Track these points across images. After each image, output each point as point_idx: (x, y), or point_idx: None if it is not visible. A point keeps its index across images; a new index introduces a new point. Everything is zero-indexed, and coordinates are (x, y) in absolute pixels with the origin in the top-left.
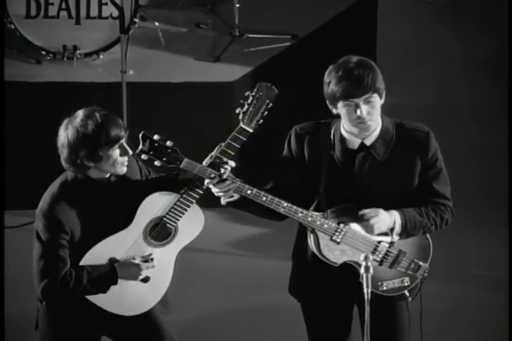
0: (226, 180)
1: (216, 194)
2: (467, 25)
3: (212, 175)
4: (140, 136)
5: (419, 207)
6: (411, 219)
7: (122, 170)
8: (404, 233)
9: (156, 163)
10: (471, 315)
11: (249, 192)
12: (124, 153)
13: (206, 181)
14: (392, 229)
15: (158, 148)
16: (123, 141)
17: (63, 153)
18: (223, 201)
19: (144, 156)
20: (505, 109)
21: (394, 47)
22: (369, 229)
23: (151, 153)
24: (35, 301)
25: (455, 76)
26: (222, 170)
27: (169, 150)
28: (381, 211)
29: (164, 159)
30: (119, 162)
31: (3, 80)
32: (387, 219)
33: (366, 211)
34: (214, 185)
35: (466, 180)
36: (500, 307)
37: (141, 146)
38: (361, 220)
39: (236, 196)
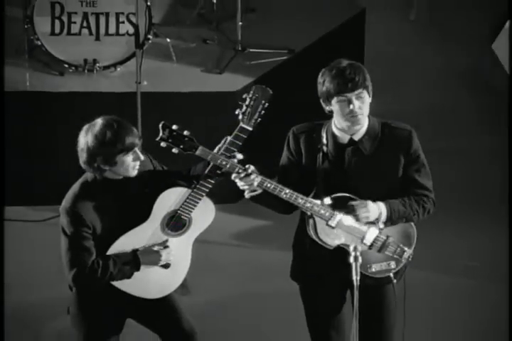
0: (251, 174)
1: (241, 187)
2: (445, 40)
3: (239, 170)
4: (160, 125)
5: (404, 198)
6: (395, 209)
7: (134, 172)
8: (389, 221)
9: (174, 150)
10: (453, 301)
11: (268, 185)
12: (136, 158)
13: (233, 176)
14: (378, 219)
15: (176, 136)
16: (136, 148)
17: (82, 156)
18: (247, 195)
19: (163, 144)
20: (482, 113)
21: (380, 59)
22: (358, 219)
23: (170, 140)
24: (66, 287)
25: (435, 85)
26: (247, 166)
27: (186, 139)
28: (369, 203)
29: (181, 146)
30: (132, 166)
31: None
32: (374, 210)
33: (355, 202)
34: (240, 179)
35: (450, 177)
36: (482, 293)
37: (160, 134)
38: (351, 211)
39: (258, 190)
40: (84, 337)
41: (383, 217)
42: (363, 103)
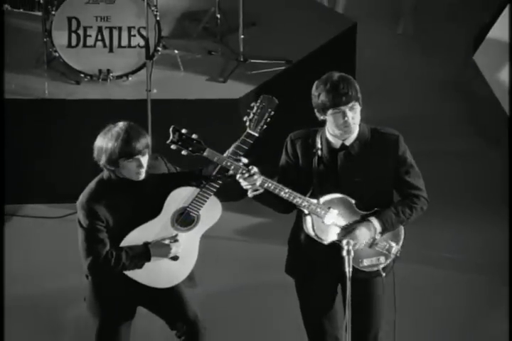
0: (254, 174)
1: (244, 187)
2: (430, 51)
3: (243, 171)
4: (170, 129)
5: (396, 205)
6: (388, 221)
7: (137, 177)
8: (385, 232)
9: (183, 152)
10: (440, 292)
11: (269, 185)
12: (138, 166)
13: (237, 176)
14: (374, 233)
15: (185, 139)
16: (140, 156)
17: (96, 155)
18: (250, 194)
19: (173, 146)
20: (463, 119)
21: (370, 70)
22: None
23: (180, 143)
24: (83, 277)
25: (421, 93)
26: (250, 167)
27: (194, 142)
28: (359, 229)
29: (190, 149)
30: (134, 171)
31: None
32: (365, 234)
33: (347, 232)
34: (244, 179)
35: (435, 176)
36: (466, 284)
37: (171, 138)
38: (344, 232)
39: (260, 190)
40: (99, 322)
41: (378, 232)
42: (355, 113)
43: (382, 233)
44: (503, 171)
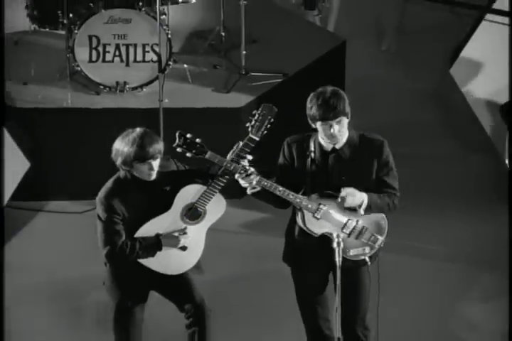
0: (251, 174)
1: (243, 185)
2: (411, 66)
3: (241, 171)
4: (177, 134)
5: (379, 194)
6: (373, 200)
7: (149, 178)
8: (369, 210)
9: (188, 154)
10: (421, 279)
11: (265, 183)
12: (150, 168)
13: (236, 175)
14: (360, 205)
15: (189, 143)
16: (151, 161)
17: (113, 156)
18: (249, 191)
19: (178, 149)
20: (441, 126)
21: (358, 82)
22: (344, 200)
23: (184, 147)
24: (102, 265)
25: (404, 102)
26: (248, 168)
27: (197, 145)
28: (357, 191)
29: (193, 151)
30: (146, 173)
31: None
32: (359, 197)
33: (348, 189)
34: (242, 178)
35: (416, 176)
36: (445, 272)
37: (177, 142)
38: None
39: (258, 188)
40: (116, 304)
41: (364, 205)
42: (342, 127)
43: (365, 209)
44: (478, 171)
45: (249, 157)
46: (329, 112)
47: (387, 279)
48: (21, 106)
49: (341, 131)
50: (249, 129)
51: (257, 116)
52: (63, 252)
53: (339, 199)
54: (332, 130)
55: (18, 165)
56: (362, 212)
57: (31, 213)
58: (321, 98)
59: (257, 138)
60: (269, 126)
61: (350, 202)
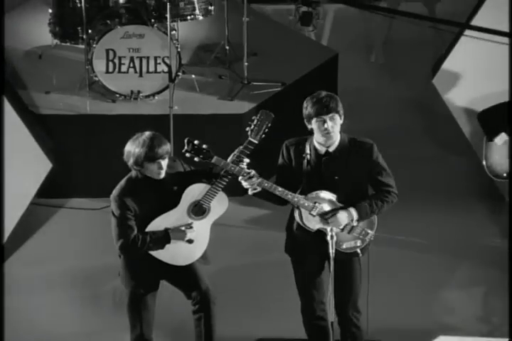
0: (253, 177)
1: (245, 186)
2: (397, 76)
3: (244, 174)
4: (185, 140)
5: (372, 198)
6: (363, 212)
7: (158, 177)
8: (361, 220)
9: (196, 159)
10: (406, 268)
11: (266, 184)
12: (159, 168)
13: (239, 178)
14: (351, 221)
15: (197, 149)
16: (161, 160)
17: (125, 157)
18: (250, 192)
19: (187, 154)
20: (424, 130)
21: (349, 90)
22: (328, 224)
23: (192, 152)
24: (117, 257)
25: (391, 109)
26: (250, 170)
27: (204, 151)
28: (339, 213)
29: (201, 156)
30: (156, 172)
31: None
32: (343, 218)
33: (326, 212)
34: (244, 180)
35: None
36: (427, 262)
37: (186, 147)
38: (323, 218)
39: (259, 188)
40: (130, 293)
41: (355, 219)
42: (335, 124)
43: (358, 220)
44: (457, 171)
45: (247, 160)
46: (322, 108)
47: (377, 268)
48: (44, 113)
49: (334, 128)
50: (249, 133)
51: (255, 121)
52: (82, 244)
53: (328, 237)
54: (326, 125)
55: (40, 166)
56: (355, 223)
57: (53, 209)
58: (315, 98)
59: (256, 141)
60: (266, 130)
61: (332, 225)
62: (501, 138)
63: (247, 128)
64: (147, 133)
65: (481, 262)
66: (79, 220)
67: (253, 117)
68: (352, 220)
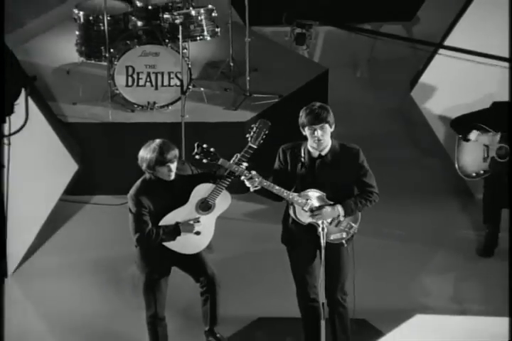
0: (253, 177)
1: (247, 185)
2: (380, 89)
3: (246, 174)
4: (195, 144)
5: (357, 197)
6: (350, 208)
7: (169, 178)
8: (347, 216)
9: (204, 160)
10: (388, 257)
11: (265, 183)
12: (169, 170)
13: (242, 178)
14: (338, 216)
15: (205, 152)
16: (170, 164)
17: (139, 162)
18: (251, 190)
19: (197, 156)
20: (403, 136)
21: (338, 102)
22: (317, 217)
23: (201, 154)
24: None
25: (374, 118)
26: (251, 171)
27: (211, 153)
28: (325, 208)
29: (209, 158)
30: (166, 174)
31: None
32: (329, 213)
33: (314, 208)
34: (246, 180)
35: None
36: (408, 251)
37: (195, 150)
38: (311, 213)
39: (259, 187)
40: (145, 278)
41: (341, 215)
42: (325, 132)
43: (344, 216)
44: (432, 172)
45: (245, 164)
46: (314, 119)
47: (362, 256)
48: (71, 121)
49: (324, 136)
50: (249, 139)
51: (254, 128)
52: (105, 236)
53: (319, 230)
54: (316, 133)
55: (68, 167)
56: (342, 218)
57: (79, 205)
58: (309, 109)
59: (255, 146)
60: (264, 136)
61: (318, 218)
62: (474, 134)
63: (247, 135)
64: (157, 141)
65: (454, 250)
66: (101, 214)
67: (252, 125)
68: (338, 216)
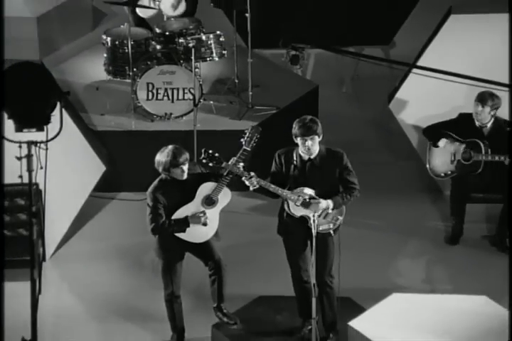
0: (252, 177)
1: (247, 184)
2: (362, 102)
3: (246, 175)
4: (202, 150)
5: (343, 193)
6: (337, 202)
7: (182, 178)
8: (335, 209)
9: (210, 164)
10: (368, 245)
11: (262, 183)
12: (182, 172)
13: (243, 178)
14: (327, 208)
15: (211, 156)
16: (183, 166)
17: (156, 165)
18: (251, 188)
19: (203, 161)
20: (384, 142)
21: (327, 114)
22: (311, 208)
23: (207, 159)
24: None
25: (358, 127)
26: (251, 172)
27: (216, 158)
28: (319, 201)
29: (214, 162)
30: (180, 175)
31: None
32: (322, 205)
33: (313, 201)
34: (246, 180)
35: (366, 174)
36: (386, 240)
37: (202, 155)
38: (308, 204)
39: (257, 186)
40: (163, 262)
41: (330, 208)
42: (314, 142)
43: (333, 209)
44: (406, 172)
45: (242, 164)
46: (305, 131)
47: (347, 244)
48: (100, 129)
49: (313, 146)
50: (243, 143)
51: (247, 133)
52: (128, 226)
53: (311, 221)
54: (307, 143)
55: (97, 168)
56: (330, 211)
57: (106, 200)
58: (301, 122)
59: (249, 149)
60: (256, 140)
61: (313, 208)
62: (442, 142)
63: (241, 139)
64: (170, 147)
65: (425, 239)
66: (126, 208)
67: (245, 130)
68: (328, 208)
